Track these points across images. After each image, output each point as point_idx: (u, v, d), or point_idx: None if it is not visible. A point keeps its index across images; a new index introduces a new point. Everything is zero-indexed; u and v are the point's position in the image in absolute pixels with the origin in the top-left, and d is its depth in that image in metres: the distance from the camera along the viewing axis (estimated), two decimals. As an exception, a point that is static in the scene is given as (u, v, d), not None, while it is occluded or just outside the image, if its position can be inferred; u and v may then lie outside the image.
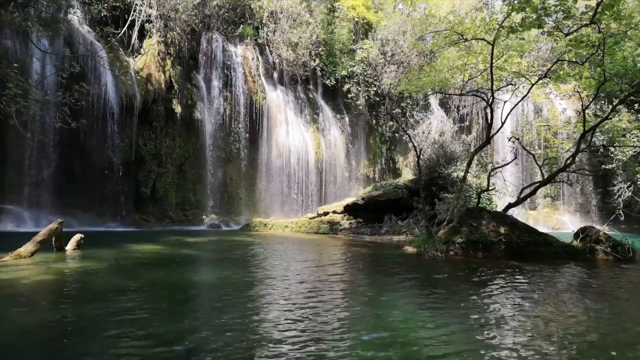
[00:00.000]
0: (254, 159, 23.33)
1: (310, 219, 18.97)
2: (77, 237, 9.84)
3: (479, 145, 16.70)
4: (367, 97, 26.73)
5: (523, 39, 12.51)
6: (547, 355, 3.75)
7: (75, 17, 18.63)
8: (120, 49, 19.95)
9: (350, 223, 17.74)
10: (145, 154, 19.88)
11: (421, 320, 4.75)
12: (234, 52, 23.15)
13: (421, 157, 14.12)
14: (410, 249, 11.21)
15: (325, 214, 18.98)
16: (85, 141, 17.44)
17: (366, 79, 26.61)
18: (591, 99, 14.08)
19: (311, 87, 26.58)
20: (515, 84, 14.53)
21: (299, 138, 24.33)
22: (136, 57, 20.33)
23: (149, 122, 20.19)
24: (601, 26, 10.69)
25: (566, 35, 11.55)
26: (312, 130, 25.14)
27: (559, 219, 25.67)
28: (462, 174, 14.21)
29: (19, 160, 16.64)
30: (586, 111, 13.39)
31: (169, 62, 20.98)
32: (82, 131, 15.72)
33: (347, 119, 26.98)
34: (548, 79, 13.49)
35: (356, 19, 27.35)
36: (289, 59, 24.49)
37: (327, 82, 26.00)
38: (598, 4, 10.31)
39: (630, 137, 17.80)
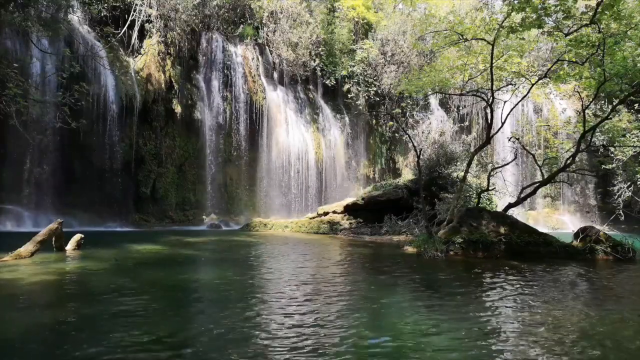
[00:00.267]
0: (254, 159, 23.33)
1: (310, 219, 18.97)
2: (77, 237, 9.85)
3: (479, 145, 16.70)
4: (367, 97, 26.74)
5: (523, 39, 12.50)
6: (549, 356, 3.75)
7: (75, 17, 18.64)
8: (120, 49, 19.96)
9: (350, 223, 17.74)
10: (145, 154, 19.88)
11: (423, 322, 4.75)
12: (234, 52, 23.15)
13: (421, 157, 14.12)
14: (410, 249, 11.21)
15: (325, 214, 18.98)
16: (85, 141, 17.44)
17: (366, 79, 26.61)
18: (591, 99, 14.08)
19: (311, 87, 26.58)
20: (515, 84, 14.52)
21: (299, 138, 24.33)
22: (136, 57, 20.33)
23: (149, 122, 20.19)
24: (601, 26, 10.69)
25: (566, 35, 11.55)
26: (312, 130, 25.14)
27: (559, 219, 25.67)
28: (462, 174, 14.21)
29: (19, 160, 16.64)
30: (586, 111, 13.38)
31: (169, 62, 20.98)
32: (82, 131, 15.72)
33: (347, 119, 26.97)
34: (548, 79, 13.48)
35: (356, 19, 27.35)
36: (289, 59, 24.49)
37: (327, 82, 26.00)
38: (598, 4, 10.30)
39: (630, 137, 17.79)
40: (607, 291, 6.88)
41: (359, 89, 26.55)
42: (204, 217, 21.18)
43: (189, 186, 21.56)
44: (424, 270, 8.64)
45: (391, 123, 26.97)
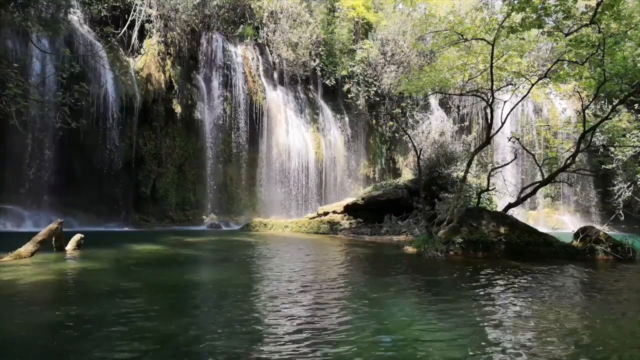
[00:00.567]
0: (254, 159, 23.33)
1: (310, 219, 18.97)
2: (77, 237, 9.84)
3: (479, 145, 16.70)
4: (367, 97, 26.74)
5: (523, 39, 12.50)
6: (551, 357, 3.75)
7: (75, 17, 18.63)
8: (120, 49, 19.95)
9: (350, 223, 17.74)
10: (145, 154, 19.88)
11: (425, 323, 4.74)
12: (234, 52, 23.15)
13: (421, 157, 14.12)
14: (410, 249, 11.21)
15: (325, 214, 18.98)
16: (85, 141, 17.44)
17: (366, 79, 26.62)
18: (591, 99, 14.08)
19: (311, 87, 26.58)
20: (515, 84, 14.53)
21: (299, 138, 24.33)
22: (136, 57, 20.33)
23: (149, 122, 20.19)
24: (601, 26, 10.68)
25: (566, 35, 11.55)
26: (312, 130, 25.14)
27: (559, 219, 25.67)
28: (462, 174, 14.21)
29: (19, 160, 16.64)
30: (586, 111, 13.38)
31: (169, 62, 20.98)
32: (82, 131, 15.72)
33: (347, 119, 26.98)
34: (548, 79, 13.48)
35: (356, 19, 27.36)
36: (289, 59, 24.49)
37: (327, 82, 26.00)
38: (598, 4, 10.30)
39: (630, 137, 17.81)
40: (607, 291, 6.88)
41: (359, 89, 26.55)
42: (204, 217, 21.18)
43: (189, 186, 21.56)
44: (424, 270, 8.64)
45: (391, 123, 26.98)
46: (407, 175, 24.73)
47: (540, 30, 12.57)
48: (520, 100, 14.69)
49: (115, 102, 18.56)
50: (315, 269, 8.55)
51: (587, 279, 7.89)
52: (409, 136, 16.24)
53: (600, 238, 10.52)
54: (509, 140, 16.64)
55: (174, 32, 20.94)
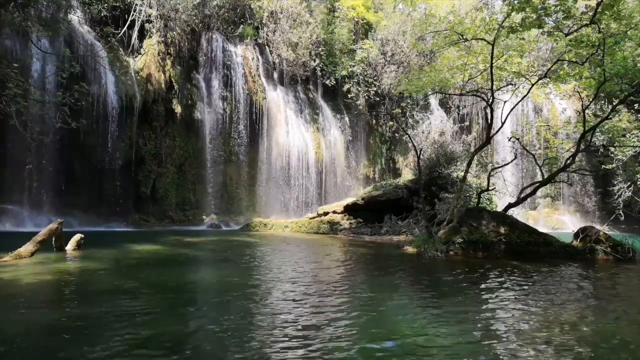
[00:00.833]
0: (254, 159, 23.34)
1: (310, 219, 18.97)
2: (77, 237, 9.84)
3: (479, 145, 16.70)
4: (367, 97, 26.74)
5: (523, 39, 12.50)
6: (550, 356, 3.75)
7: (75, 17, 18.63)
8: (120, 49, 19.96)
9: (350, 223, 17.74)
10: (145, 154, 19.88)
11: (425, 323, 4.74)
12: (234, 52, 23.15)
13: (421, 157, 14.12)
14: (410, 249, 11.21)
15: (325, 214, 18.98)
16: (85, 141, 17.44)
17: (366, 79, 26.62)
18: (591, 99, 14.07)
19: (311, 87, 26.58)
20: (515, 84, 14.53)
21: (299, 138, 24.33)
22: (136, 57, 20.33)
23: (149, 122, 20.19)
24: (601, 26, 10.68)
25: (566, 35, 11.54)
26: (312, 130, 25.14)
27: (559, 219, 25.67)
28: (462, 174, 14.21)
29: (19, 160, 16.64)
30: (586, 111, 13.38)
31: (169, 62, 20.98)
32: (82, 131, 15.72)
33: (347, 119, 26.98)
34: (548, 79, 13.48)
35: (356, 19, 27.36)
36: (289, 59, 24.49)
37: (327, 82, 26.00)
38: (598, 4, 10.30)
39: (630, 137, 17.80)
40: (607, 291, 6.88)
41: (359, 89, 26.55)
42: (204, 217, 21.19)
43: (189, 186, 21.56)
44: (424, 270, 8.64)
45: (391, 123, 26.98)
46: (407, 175, 24.73)
47: (540, 30, 12.57)
48: (520, 100, 14.69)
49: (115, 102, 18.56)
50: (315, 269, 8.55)
51: (587, 279, 7.89)
52: (409, 136, 16.24)
53: (600, 238, 10.51)
54: (509, 140, 16.64)
55: (174, 32, 20.94)
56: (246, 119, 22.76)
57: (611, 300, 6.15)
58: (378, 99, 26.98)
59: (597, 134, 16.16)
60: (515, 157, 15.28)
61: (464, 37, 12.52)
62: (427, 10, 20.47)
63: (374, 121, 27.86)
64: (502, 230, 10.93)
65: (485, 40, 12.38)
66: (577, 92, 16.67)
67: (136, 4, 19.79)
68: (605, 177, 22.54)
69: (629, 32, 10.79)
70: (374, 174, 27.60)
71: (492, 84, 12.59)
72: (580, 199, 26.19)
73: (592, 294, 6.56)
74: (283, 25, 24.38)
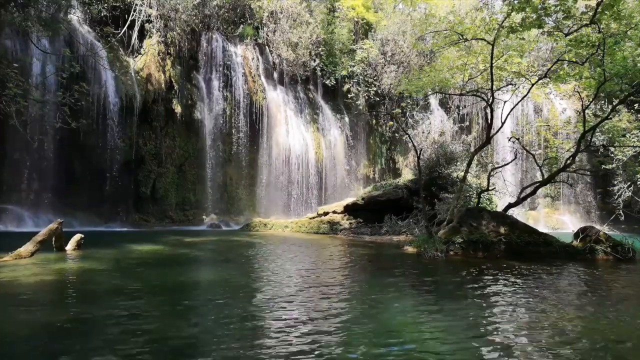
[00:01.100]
0: (254, 159, 23.34)
1: (310, 219, 18.97)
2: (77, 237, 9.85)
3: (479, 145, 16.70)
4: (367, 97, 26.74)
5: (523, 39, 12.50)
6: (550, 356, 3.75)
7: (75, 17, 18.64)
8: (120, 49, 19.96)
9: (350, 223, 17.74)
10: (145, 154, 19.88)
11: (425, 324, 4.74)
12: (234, 52, 23.16)
13: (421, 157, 14.12)
14: (410, 249, 11.21)
15: (325, 214, 18.98)
16: (85, 141, 17.45)
17: (366, 79, 26.62)
18: (591, 99, 14.07)
19: (311, 87, 26.59)
20: (515, 84, 14.52)
21: (299, 138, 24.33)
22: (136, 57, 20.34)
23: (149, 122, 20.19)
24: (601, 26, 10.68)
25: (566, 35, 11.54)
26: (312, 130, 25.15)
27: (559, 219, 25.67)
28: (462, 174, 14.21)
29: (19, 161, 16.64)
30: (586, 111, 13.38)
31: (169, 62, 20.98)
32: (82, 131, 15.73)
33: (347, 119, 26.98)
34: (548, 79, 13.48)
35: (356, 19, 27.37)
36: (289, 59, 24.50)
37: (327, 82, 26.01)
38: (598, 4, 10.30)
39: (630, 137, 17.80)
40: (607, 291, 6.88)
41: (359, 89, 26.55)
42: (204, 217, 21.19)
43: (189, 186, 21.57)
44: (424, 270, 8.63)
45: (391, 123, 26.98)
46: (407, 175, 24.73)
47: (540, 30, 12.57)
48: (520, 100, 14.69)
49: (115, 102, 18.56)
50: (315, 269, 8.55)
51: (587, 279, 7.89)
52: (409, 136, 16.24)
53: (600, 238, 10.51)
54: (509, 140, 16.64)
55: (174, 32, 20.94)
56: (246, 119, 22.77)
57: (611, 300, 6.15)
58: (378, 99, 26.98)
59: (597, 134, 16.16)
60: (515, 157, 15.29)
61: (464, 37, 12.52)
62: (427, 10, 20.46)
63: (374, 121, 27.87)
64: (502, 230, 10.93)
65: (485, 40, 12.38)
66: (577, 92, 16.67)
67: (136, 4, 19.79)
68: (605, 177, 22.54)
69: (629, 32, 10.79)
70: (374, 174, 27.60)
71: (492, 84, 12.59)
72: (580, 199, 26.19)
73: (592, 294, 6.56)
74: (283, 25, 24.38)
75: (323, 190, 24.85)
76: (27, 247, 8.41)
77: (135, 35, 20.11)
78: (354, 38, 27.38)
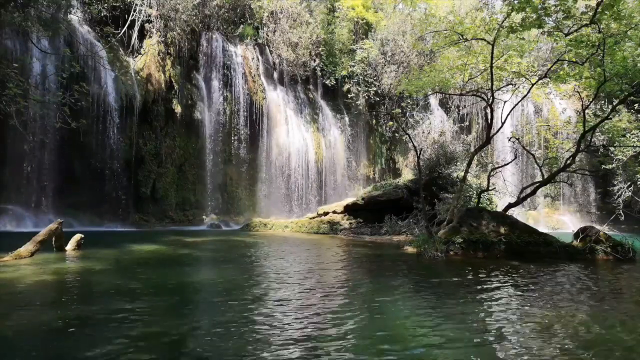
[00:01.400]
0: (254, 159, 23.35)
1: (310, 219, 18.97)
2: (77, 237, 9.84)
3: (479, 145, 16.70)
4: (367, 97, 26.75)
5: (523, 39, 12.50)
6: (550, 357, 3.75)
7: (75, 17, 18.64)
8: (120, 49, 19.96)
9: (350, 223, 17.74)
10: (145, 154, 19.88)
11: (425, 324, 4.74)
12: (234, 52, 23.16)
13: (421, 157, 14.12)
14: (410, 249, 11.21)
15: (325, 214, 18.98)
16: (85, 141, 17.45)
17: (366, 79, 26.62)
18: (591, 99, 14.07)
19: (311, 87, 26.59)
20: (515, 84, 14.52)
21: (299, 138, 24.34)
22: (136, 57, 20.34)
23: (149, 122, 20.20)
24: (601, 26, 10.68)
25: (566, 35, 11.54)
26: (312, 130, 25.15)
27: (559, 219, 25.67)
28: (462, 174, 14.21)
29: (19, 160, 16.65)
30: (586, 111, 13.38)
31: (169, 62, 20.98)
32: (82, 131, 15.73)
33: (347, 119, 26.98)
34: (548, 79, 13.48)
35: (356, 19, 27.37)
36: (289, 59, 24.51)
37: (327, 82, 26.01)
38: (598, 4, 10.30)
39: (630, 137, 17.79)
40: (607, 291, 6.87)
41: (359, 89, 26.55)
42: (204, 217, 21.19)
43: (189, 186, 21.57)
44: (424, 270, 8.63)
45: (391, 123, 26.98)
46: (407, 175, 24.74)
47: (540, 30, 12.56)
48: (520, 100, 14.69)
49: (115, 102, 18.57)
50: (315, 269, 8.54)
51: (587, 279, 7.88)
52: (409, 136, 16.22)
53: (600, 238, 10.51)
54: (509, 140, 16.63)
55: (174, 32, 20.94)
56: (246, 119, 22.77)
57: (611, 300, 6.14)
58: (378, 99, 26.98)
59: (597, 134, 16.16)
60: (515, 157, 15.30)
61: (464, 37, 12.52)
62: (427, 10, 20.46)
63: (374, 121, 27.87)
64: (502, 230, 10.93)
65: (485, 40, 12.38)
66: (577, 92, 16.65)
67: (136, 4, 19.79)
68: (605, 177, 22.54)
69: (629, 32, 10.79)
70: (374, 174, 27.61)
71: (492, 84, 12.59)
72: (580, 199, 26.19)
73: (592, 294, 6.56)
74: (283, 25, 24.38)
75: (323, 190, 24.85)
76: (27, 247, 8.41)
77: (135, 35, 20.11)
78: (354, 38, 27.39)
